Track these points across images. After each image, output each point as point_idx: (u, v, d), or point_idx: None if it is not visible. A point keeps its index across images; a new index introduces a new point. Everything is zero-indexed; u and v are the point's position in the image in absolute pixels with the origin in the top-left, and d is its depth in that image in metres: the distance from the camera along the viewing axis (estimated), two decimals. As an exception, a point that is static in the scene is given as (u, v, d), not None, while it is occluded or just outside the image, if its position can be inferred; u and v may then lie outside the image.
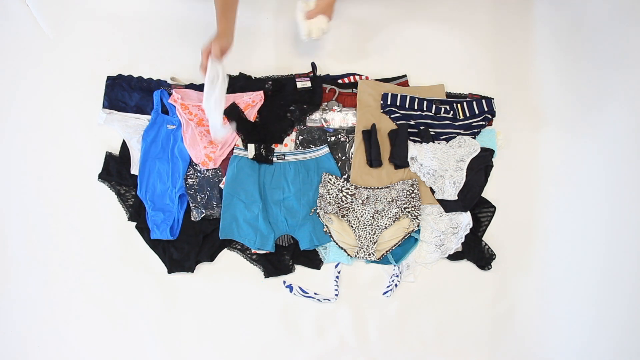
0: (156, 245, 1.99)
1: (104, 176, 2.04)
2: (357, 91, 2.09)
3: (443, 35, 2.25)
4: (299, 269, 2.00)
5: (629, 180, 2.04)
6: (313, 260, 1.99)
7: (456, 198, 1.93)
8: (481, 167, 1.98)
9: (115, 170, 2.04)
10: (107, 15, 2.24)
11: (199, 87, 2.10)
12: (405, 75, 2.16)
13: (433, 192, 1.97)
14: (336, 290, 1.95)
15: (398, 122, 2.03)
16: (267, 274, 1.96)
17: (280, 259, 1.98)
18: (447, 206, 1.94)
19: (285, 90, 2.09)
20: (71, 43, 2.20)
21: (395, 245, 1.92)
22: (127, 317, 1.95)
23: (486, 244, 1.99)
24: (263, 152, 2.00)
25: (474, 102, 2.05)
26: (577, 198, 2.05)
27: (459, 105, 2.06)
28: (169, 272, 1.97)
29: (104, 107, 2.08)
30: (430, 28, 2.25)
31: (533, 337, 1.95)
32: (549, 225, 2.03)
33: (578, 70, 2.17)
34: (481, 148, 1.98)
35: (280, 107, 2.07)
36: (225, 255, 2.01)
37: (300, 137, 2.06)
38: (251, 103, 2.05)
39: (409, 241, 1.97)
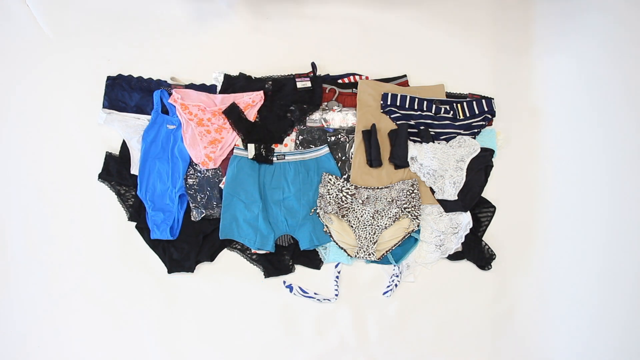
0: (156, 245, 1.99)
1: (104, 176, 2.04)
2: (357, 91, 2.09)
3: (443, 35, 2.25)
4: (299, 269, 2.00)
5: (628, 181, 2.04)
6: (313, 260, 1.99)
7: (456, 198, 1.93)
8: (481, 167, 1.98)
9: (115, 170, 2.04)
10: (107, 15, 2.24)
11: (199, 87, 2.11)
12: (405, 75, 2.16)
13: (433, 192, 1.97)
14: (336, 290, 1.95)
15: (398, 122, 2.03)
16: (267, 274, 1.96)
17: (280, 259, 1.98)
18: (447, 206, 1.94)
19: (285, 90, 2.09)
20: (71, 43, 2.21)
21: (395, 245, 1.92)
22: (127, 317, 1.95)
23: (486, 244, 1.99)
24: (263, 152, 2.00)
25: (474, 102, 2.05)
26: (577, 198, 2.05)
27: (459, 105, 2.06)
28: (169, 272, 1.97)
29: (104, 107, 2.08)
30: (430, 28, 2.25)
31: (533, 337, 1.95)
32: (549, 225, 2.03)
33: (578, 70, 2.17)
34: (481, 148, 1.98)
35: (280, 107, 2.07)
36: (225, 255, 2.01)
37: (300, 137, 2.06)
38: (251, 103, 2.05)
39: (409, 241, 1.97)
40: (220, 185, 1.99)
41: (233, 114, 2.02)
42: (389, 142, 2.02)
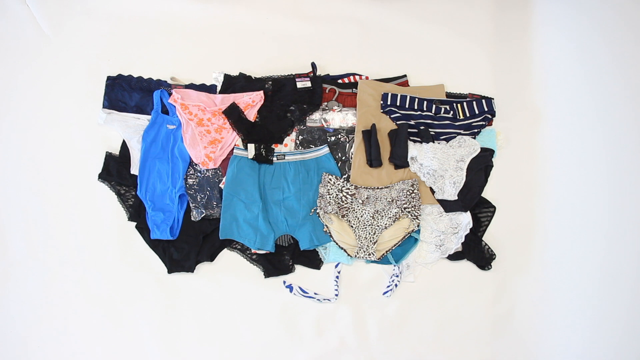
0: (156, 245, 1.99)
1: (104, 176, 2.04)
2: (357, 91, 2.09)
3: (443, 35, 2.25)
4: (299, 269, 2.00)
5: (628, 180, 2.04)
6: (313, 260, 1.99)
7: (456, 198, 1.93)
8: (481, 167, 1.98)
9: (115, 170, 2.04)
10: (107, 15, 2.24)
11: (199, 87, 2.11)
12: (405, 75, 2.16)
13: (433, 192, 1.97)
14: (336, 290, 1.95)
15: (398, 122, 2.03)
16: (267, 274, 1.96)
17: (280, 259, 1.98)
18: (447, 206, 1.94)
19: (285, 90, 2.09)
20: (71, 43, 2.21)
21: (395, 245, 1.92)
22: (127, 317, 1.95)
23: (486, 244, 1.99)
24: (263, 152, 2.00)
25: (474, 102, 2.05)
26: (577, 198, 2.04)
27: (459, 105, 2.06)
28: (169, 272, 1.97)
29: (104, 107, 2.08)
30: (430, 28, 2.25)
31: (533, 337, 1.95)
32: (549, 225, 2.03)
33: (578, 70, 2.17)
34: (481, 148, 1.98)
35: (280, 107, 2.07)
36: (225, 255, 2.01)
37: (300, 137, 2.06)
38: (251, 103, 2.05)
39: (409, 241, 1.97)
40: (220, 185, 1.99)
41: (233, 114, 2.02)
42: (389, 142, 2.02)
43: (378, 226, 1.92)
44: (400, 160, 1.97)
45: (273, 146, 2.04)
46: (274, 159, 2.01)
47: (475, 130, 2.03)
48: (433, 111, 2.04)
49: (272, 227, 1.95)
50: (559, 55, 2.20)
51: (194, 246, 1.98)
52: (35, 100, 2.14)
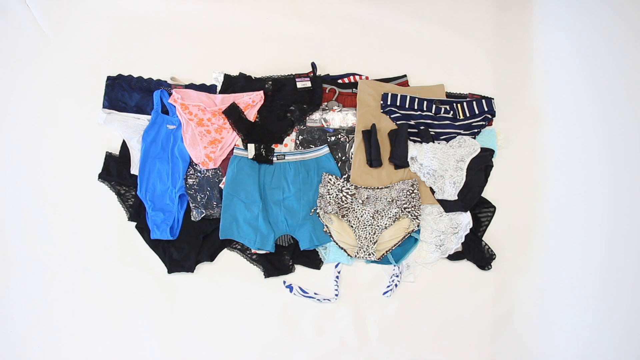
0: (156, 245, 1.99)
1: (104, 176, 2.04)
2: (357, 91, 2.09)
3: (443, 35, 2.25)
4: (299, 269, 2.00)
5: (628, 180, 2.04)
6: (313, 260, 1.99)
7: (456, 198, 1.93)
8: (481, 167, 1.98)
9: (115, 170, 2.04)
10: (107, 15, 2.24)
11: (199, 87, 2.11)
12: (405, 75, 2.16)
13: (433, 192, 1.97)
14: (336, 290, 1.95)
15: (398, 122, 2.03)
16: (267, 274, 1.96)
17: (280, 259, 1.98)
18: (447, 206, 1.94)
19: (285, 90, 2.09)
20: (71, 43, 2.21)
21: (395, 245, 1.92)
22: (127, 317, 1.95)
23: (486, 244, 1.99)
24: (263, 152, 2.00)
25: (474, 102, 2.05)
26: (577, 198, 2.04)
27: (459, 105, 2.06)
28: (169, 272, 1.97)
29: (104, 107, 2.08)
30: (430, 28, 2.25)
31: (533, 337, 1.95)
32: (549, 225, 2.03)
33: (578, 70, 2.17)
34: (481, 148, 1.98)
35: (280, 107, 2.07)
36: (225, 255, 2.01)
37: (300, 137, 2.06)
38: (251, 103, 2.05)
39: (409, 241, 1.97)
40: (220, 185, 1.99)
41: (233, 114, 2.02)
42: (389, 142, 2.02)
43: (378, 226, 1.92)
44: (400, 160, 1.97)
45: (273, 146, 2.04)
46: (274, 159, 2.01)
47: (475, 130, 2.03)
48: (433, 111, 2.04)
49: (272, 227, 1.95)
50: (559, 55, 2.20)
51: (194, 246, 1.98)
52: (35, 100, 2.14)
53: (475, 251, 1.98)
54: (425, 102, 2.04)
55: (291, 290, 1.96)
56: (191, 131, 2.03)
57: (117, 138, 2.09)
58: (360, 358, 1.93)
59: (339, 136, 2.07)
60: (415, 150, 1.98)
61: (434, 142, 2.00)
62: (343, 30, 2.25)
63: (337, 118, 2.08)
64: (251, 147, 2.00)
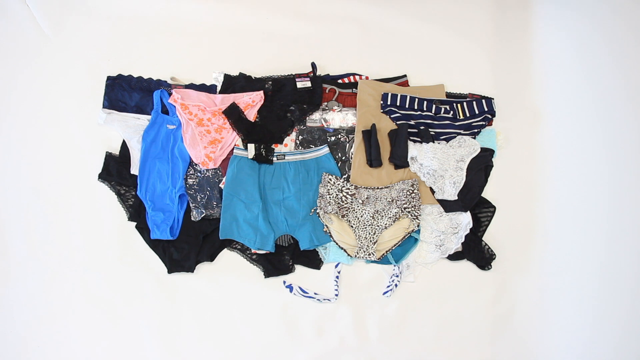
0: (156, 245, 1.99)
1: (104, 176, 2.04)
2: (357, 91, 2.09)
3: (443, 35, 2.25)
4: (299, 269, 2.00)
5: (628, 180, 2.04)
6: (313, 260, 1.99)
7: (456, 198, 1.93)
8: (481, 167, 1.98)
9: (115, 170, 2.04)
10: (107, 15, 2.24)
11: (199, 87, 2.11)
12: (405, 75, 2.16)
13: (433, 192, 1.97)
14: (336, 290, 1.95)
15: (398, 122, 2.03)
16: (267, 274, 1.96)
17: (280, 259, 1.98)
18: (447, 206, 1.94)
19: (285, 90, 2.09)
20: (71, 43, 2.21)
21: (395, 245, 1.92)
22: (127, 317, 1.95)
23: (486, 244, 1.99)
24: (263, 152, 2.00)
25: (474, 102, 2.05)
26: (577, 198, 2.05)
27: (459, 105, 2.06)
28: (169, 272, 1.97)
29: (104, 107, 2.08)
30: (430, 28, 2.25)
31: (533, 337, 1.95)
32: (549, 225, 2.03)
33: (578, 70, 2.17)
34: (481, 148, 1.98)
35: (280, 107, 2.07)
36: (225, 255, 2.01)
37: (300, 137, 2.06)
38: (251, 103, 2.05)
39: (409, 241, 1.97)
40: (220, 185, 1.99)
41: (233, 114, 2.02)
42: (389, 142, 2.02)
43: (378, 226, 1.92)
44: (400, 160, 1.97)
45: (273, 146, 2.04)
46: (274, 159, 2.01)
47: (475, 130, 2.03)
48: (433, 111, 2.04)
49: (272, 227, 1.95)
50: (559, 55, 2.20)
51: (194, 246, 1.98)
52: (35, 100, 2.14)
53: (475, 251, 1.98)
54: (425, 102, 2.04)
55: (291, 290, 1.96)
56: (191, 131, 2.03)
57: (117, 138, 2.09)
58: (360, 358, 1.93)
59: (339, 136, 2.07)
60: (415, 150, 1.98)
61: (434, 142, 2.00)
62: (343, 30, 2.25)
63: (337, 118, 2.08)
64: (251, 147, 2.00)
